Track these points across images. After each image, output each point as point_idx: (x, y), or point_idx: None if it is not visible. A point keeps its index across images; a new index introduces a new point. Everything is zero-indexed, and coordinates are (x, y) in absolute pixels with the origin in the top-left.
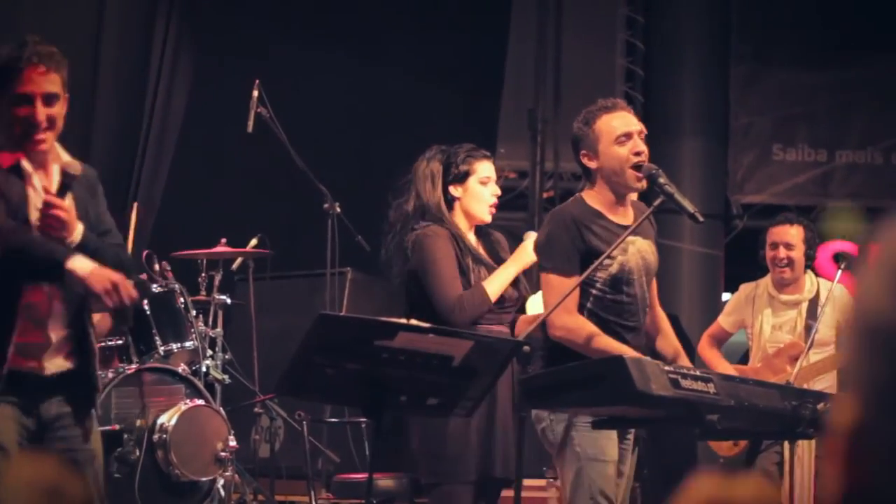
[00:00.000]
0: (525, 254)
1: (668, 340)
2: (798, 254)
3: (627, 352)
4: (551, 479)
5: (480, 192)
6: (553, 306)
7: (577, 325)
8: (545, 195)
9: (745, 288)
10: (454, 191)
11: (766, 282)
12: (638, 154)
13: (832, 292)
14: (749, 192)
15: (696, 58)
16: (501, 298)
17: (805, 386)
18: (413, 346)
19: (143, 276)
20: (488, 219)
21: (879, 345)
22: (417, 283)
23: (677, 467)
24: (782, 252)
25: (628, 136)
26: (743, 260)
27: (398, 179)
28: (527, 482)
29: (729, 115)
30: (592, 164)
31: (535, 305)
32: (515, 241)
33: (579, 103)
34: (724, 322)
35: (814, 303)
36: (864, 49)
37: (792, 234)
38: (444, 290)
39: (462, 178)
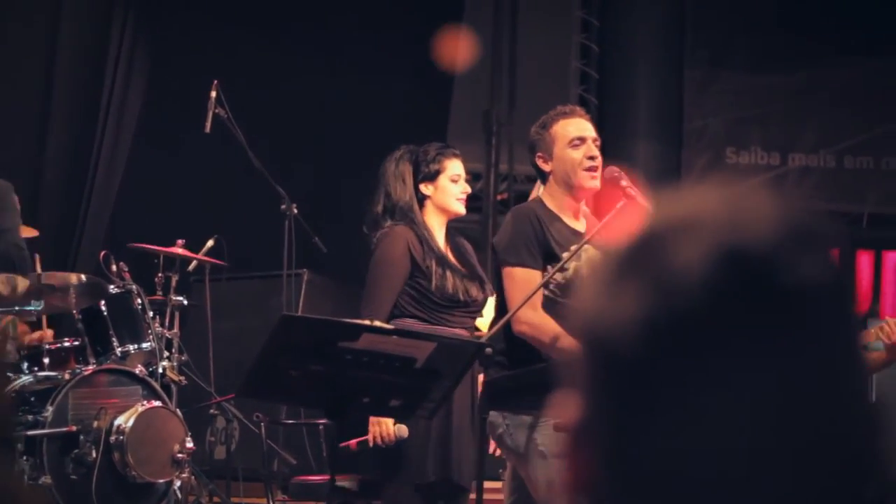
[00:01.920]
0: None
1: None
2: None
3: None
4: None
5: (452, 189)
6: (517, 300)
7: (542, 322)
8: (499, 197)
9: None
10: (425, 189)
11: None
12: (591, 158)
13: None
14: None
15: (651, 61)
16: (468, 301)
17: None
18: (376, 348)
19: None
20: (462, 211)
21: (589, 346)
22: None
23: None
24: None
25: (582, 140)
26: None
27: (354, 181)
28: (488, 484)
29: (683, 118)
30: (547, 167)
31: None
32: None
33: (534, 105)
34: None
35: None
36: (818, 53)
37: None
38: (364, 305)
39: (433, 176)
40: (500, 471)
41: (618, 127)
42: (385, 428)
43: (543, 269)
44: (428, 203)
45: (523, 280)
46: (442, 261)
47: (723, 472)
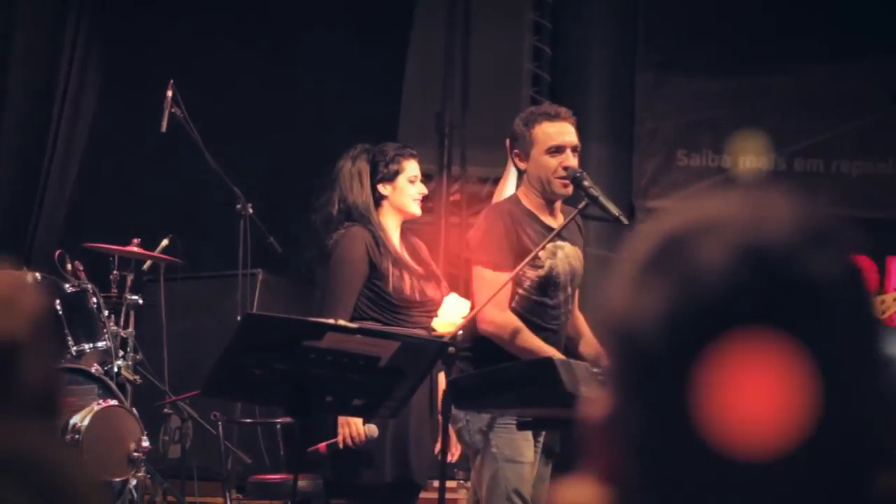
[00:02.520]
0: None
1: (591, 344)
2: None
3: (554, 353)
4: (462, 481)
5: (410, 190)
6: (483, 299)
7: (506, 322)
8: (452, 199)
9: None
10: (383, 189)
11: None
12: (566, 168)
13: None
14: (653, 197)
15: (603, 64)
16: (424, 301)
17: None
18: (340, 347)
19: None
20: (418, 212)
21: (617, 343)
22: None
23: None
24: None
25: (560, 149)
26: None
27: (308, 181)
28: (434, 483)
29: (634, 121)
30: (522, 166)
31: (450, 305)
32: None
33: (486, 107)
34: None
35: None
36: (770, 57)
37: None
38: (329, 310)
39: (392, 177)
40: (455, 470)
41: None
42: (355, 429)
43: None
44: (385, 203)
45: (491, 279)
46: (398, 262)
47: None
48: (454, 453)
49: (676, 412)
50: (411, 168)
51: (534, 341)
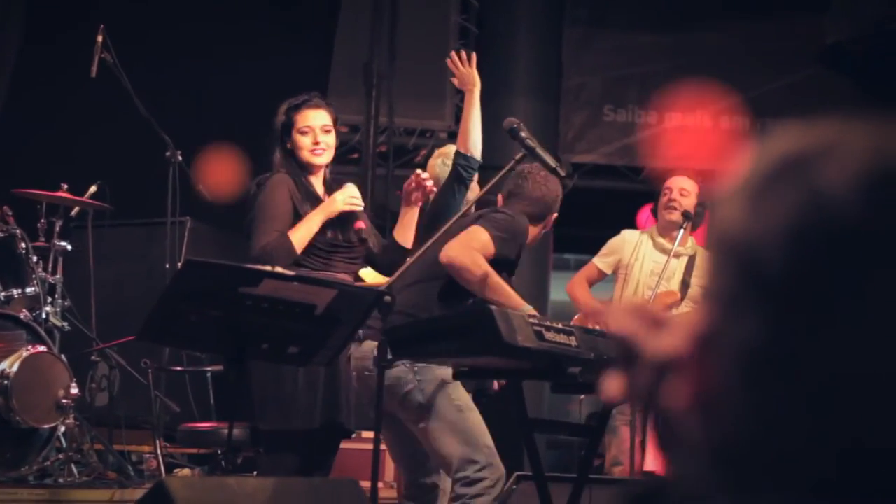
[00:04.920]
0: (332, 203)
1: None
2: (689, 202)
3: (521, 303)
4: None
5: (302, 141)
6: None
7: (475, 259)
8: (379, 150)
9: (627, 233)
10: (289, 143)
11: (650, 231)
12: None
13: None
14: (580, 151)
15: (531, 17)
16: (347, 245)
17: None
18: (277, 294)
19: None
20: (315, 161)
21: (732, 259)
22: None
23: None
24: (675, 195)
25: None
26: (571, 218)
27: (237, 131)
28: (366, 434)
29: (562, 76)
30: None
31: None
32: None
33: (413, 58)
34: (600, 263)
35: (692, 260)
36: (697, 14)
37: (689, 185)
38: (255, 237)
39: (288, 131)
40: None
41: (497, 83)
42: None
43: None
44: (296, 155)
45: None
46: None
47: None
48: None
49: (798, 329)
50: (302, 119)
51: (504, 284)
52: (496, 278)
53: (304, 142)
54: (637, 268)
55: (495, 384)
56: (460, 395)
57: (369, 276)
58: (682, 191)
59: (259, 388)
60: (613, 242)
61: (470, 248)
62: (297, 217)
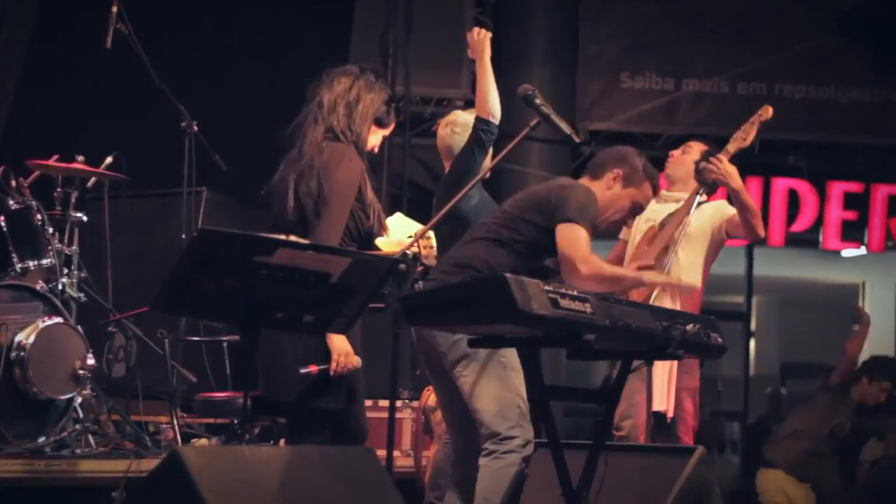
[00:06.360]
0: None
1: None
2: (690, 158)
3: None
4: (406, 400)
5: (376, 140)
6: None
7: (601, 266)
8: None
9: None
10: (366, 125)
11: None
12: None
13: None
14: (597, 118)
15: None
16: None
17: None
18: (292, 263)
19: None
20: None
21: None
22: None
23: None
24: (679, 150)
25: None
26: None
27: (255, 100)
28: (382, 402)
29: (578, 43)
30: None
31: (395, 224)
32: None
33: (430, 27)
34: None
35: (681, 210)
36: None
37: (693, 143)
38: (329, 236)
39: (386, 122)
40: (400, 389)
41: (513, 51)
42: (351, 359)
43: None
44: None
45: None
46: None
47: None
48: None
49: None
50: (391, 124)
51: (617, 270)
52: (611, 270)
53: (377, 141)
54: (641, 219)
55: None
56: (508, 352)
57: (386, 244)
58: (685, 148)
59: (281, 356)
60: None
61: (588, 262)
62: (359, 202)
